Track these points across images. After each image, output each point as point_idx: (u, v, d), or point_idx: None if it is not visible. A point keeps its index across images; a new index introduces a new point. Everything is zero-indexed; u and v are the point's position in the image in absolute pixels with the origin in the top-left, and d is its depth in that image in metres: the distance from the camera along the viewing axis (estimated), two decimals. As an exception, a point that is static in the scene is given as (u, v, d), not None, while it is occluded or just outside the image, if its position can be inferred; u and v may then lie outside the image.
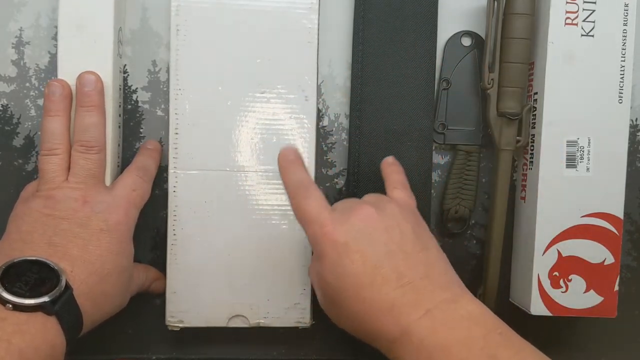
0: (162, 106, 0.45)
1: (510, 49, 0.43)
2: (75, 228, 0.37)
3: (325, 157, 0.47)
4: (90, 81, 0.40)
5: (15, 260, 0.35)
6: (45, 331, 0.34)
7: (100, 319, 0.39)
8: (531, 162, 0.45)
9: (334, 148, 0.47)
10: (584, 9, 0.42)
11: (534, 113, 0.44)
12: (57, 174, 0.39)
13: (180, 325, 0.43)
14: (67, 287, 0.35)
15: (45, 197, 0.38)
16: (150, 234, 0.46)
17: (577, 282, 0.43)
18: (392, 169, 0.42)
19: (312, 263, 0.38)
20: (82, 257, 0.37)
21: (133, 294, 0.42)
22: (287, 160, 0.39)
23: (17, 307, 0.33)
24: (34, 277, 0.35)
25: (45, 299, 0.34)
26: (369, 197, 0.39)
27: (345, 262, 0.35)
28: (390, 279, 0.34)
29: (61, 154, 0.39)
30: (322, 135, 0.47)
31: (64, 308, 0.35)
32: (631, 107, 0.43)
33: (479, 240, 0.48)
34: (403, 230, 0.36)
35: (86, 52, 0.41)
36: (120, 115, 0.44)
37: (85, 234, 0.37)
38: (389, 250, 0.35)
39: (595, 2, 0.42)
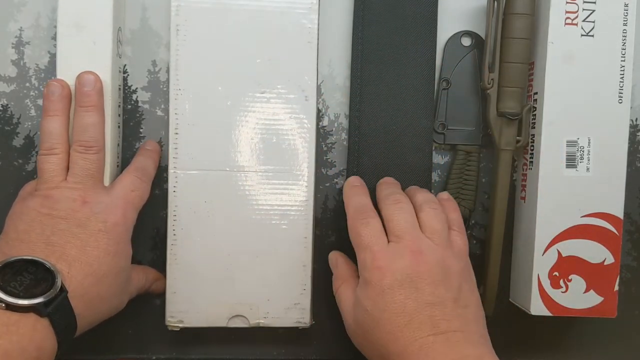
0: (162, 106, 0.45)
1: (510, 49, 0.43)
2: (74, 228, 0.37)
3: (325, 157, 0.47)
4: (89, 81, 0.40)
5: (11, 259, 0.35)
6: (34, 333, 0.33)
7: (96, 321, 0.39)
8: (531, 162, 0.45)
9: (334, 148, 0.47)
10: (584, 9, 0.42)
11: (534, 113, 0.44)
12: (55, 174, 0.39)
13: (180, 325, 0.43)
14: (62, 289, 0.35)
15: (43, 196, 0.38)
16: (150, 234, 0.46)
17: (577, 282, 0.43)
18: (449, 206, 0.42)
19: (354, 287, 0.40)
20: (80, 258, 0.37)
21: (132, 296, 0.42)
22: (351, 186, 0.43)
23: (10, 307, 0.33)
24: (29, 277, 0.34)
25: (38, 300, 0.33)
26: (431, 233, 0.39)
27: (387, 299, 0.36)
28: (425, 326, 0.36)
29: (60, 154, 0.39)
30: (322, 135, 0.47)
31: (58, 310, 0.34)
32: (631, 107, 0.43)
33: (479, 240, 0.48)
34: (449, 287, 0.37)
35: (85, 52, 0.41)
36: (119, 115, 0.44)
37: (83, 234, 0.37)
38: (430, 301, 0.36)
39: (595, 2, 0.42)
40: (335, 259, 0.44)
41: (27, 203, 0.38)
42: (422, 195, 0.41)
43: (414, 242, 0.38)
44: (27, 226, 0.37)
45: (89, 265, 0.37)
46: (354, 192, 0.42)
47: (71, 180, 0.39)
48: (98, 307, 0.38)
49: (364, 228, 0.39)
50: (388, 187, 0.43)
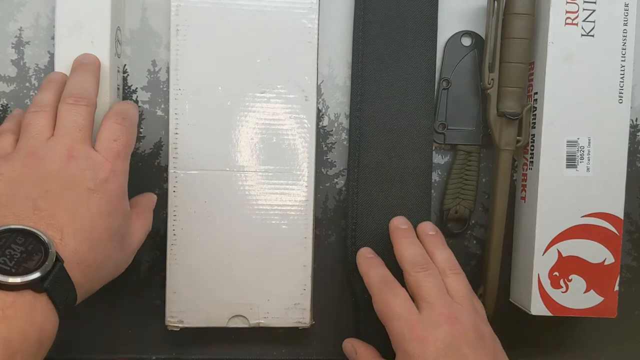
0: (162, 106, 0.45)
1: (510, 49, 0.43)
2: (63, 190, 0.34)
3: (325, 157, 0.47)
4: (88, 57, 0.39)
5: None
6: (34, 313, 0.30)
7: (95, 288, 0.36)
8: (531, 162, 0.45)
9: (334, 148, 0.47)
10: (584, 9, 0.42)
11: (534, 113, 0.44)
12: (43, 130, 0.36)
13: (180, 325, 0.43)
14: (58, 259, 0.32)
15: (27, 154, 0.35)
16: (150, 234, 0.46)
17: (577, 282, 0.43)
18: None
19: None
20: (72, 223, 0.33)
21: (139, 247, 0.40)
22: (365, 258, 0.43)
23: (3, 287, 0.30)
24: (19, 250, 0.31)
25: (34, 275, 0.30)
26: (460, 298, 0.39)
27: None
28: None
29: (49, 112, 0.36)
30: (322, 135, 0.47)
31: (56, 283, 0.31)
32: (631, 107, 0.43)
33: (479, 240, 0.48)
34: (486, 350, 0.37)
35: (83, 51, 0.40)
36: (120, 115, 0.44)
37: (72, 196, 0.34)
38: None
39: (595, 2, 0.42)
40: (352, 345, 0.44)
41: (8, 164, 0.34)
42: (441, 256, 0.41)
43: (448, 308, 0.38)
44: (9, 189, 0.33)
45: (82, 230, 0.34)
46: (372, 264, 0.42)
47: (57, 134, 0.35)
48: (96, 274, 0.35)
49: (393, 298, 0.39)
50: (409, 244, 0.41)
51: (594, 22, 0.42)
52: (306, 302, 0.44)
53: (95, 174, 0.35)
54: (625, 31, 0.43)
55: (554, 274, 0.43)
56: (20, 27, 0.44)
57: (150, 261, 0.46)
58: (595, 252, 0.43)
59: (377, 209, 0.45)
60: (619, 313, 0.44)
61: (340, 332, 0.47)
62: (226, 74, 0.43)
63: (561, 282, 0.43)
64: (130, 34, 0.45)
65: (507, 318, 0.48)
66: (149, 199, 0.43)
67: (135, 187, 0.42)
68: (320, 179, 0.47)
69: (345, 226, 0.46)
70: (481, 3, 0.46)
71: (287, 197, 0.43)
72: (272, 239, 0.43)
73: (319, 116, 0.46)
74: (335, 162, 0.47)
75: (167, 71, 0.45)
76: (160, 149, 0.45)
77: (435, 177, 0.47)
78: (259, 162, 0.43)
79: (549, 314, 0.43)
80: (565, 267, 0.43)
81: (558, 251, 0.43)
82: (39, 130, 0.36)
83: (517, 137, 0.45)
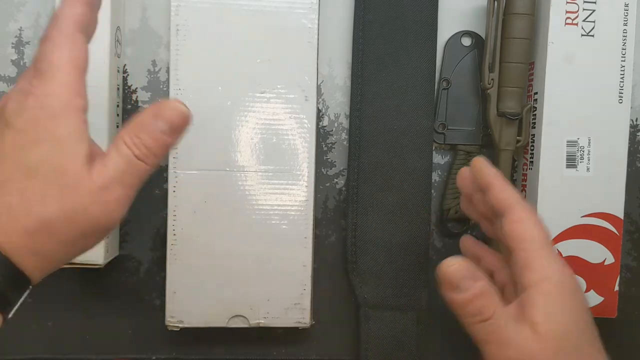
0: (162, 106, 0.45)
1: (510, 49, 0.43)
2: None
3: (325, 157, 0.47)
4: None
5: None
6: None
7: (44, 231, 0.28)
8: (531, 162, 0.45)
9: (334, 148, 0.47)
10: (584, 9, 0.42)
11: (534, 113, 0.44)
12: None
13: (180, 325, 0.43)
14: None
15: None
16: (150, 234, 0.46)
17: (577, 282, 0.43)
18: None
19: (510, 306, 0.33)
20: None
21: (126, 183, 0.30)
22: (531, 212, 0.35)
23: None
24: None
25: None
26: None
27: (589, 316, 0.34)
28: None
29: None
30: (322, 135, 0.47)
31: None
32: (631, 107, 0.43)
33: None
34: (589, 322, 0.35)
35: (86, 52, 0.41)
36: (118, 115, 0.44)
37: None
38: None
39: (595, 2, 0.42)
40: (466, 268, 0.32)
41: None
42: None
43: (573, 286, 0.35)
44: None
45: None
46: (538, 220, 0.35)
47: None
48: (22, 213, 0.28)
49: (556, 261, 0.33)
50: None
51: (594, 22, 0.42)
52: (306, 302, 0.44)
53: (16, 105, 0.29)
54: (625, 31, 0.43)
55: (554, 274, 0.43)
56: (20, 27, 0.44)
57: (150, 261, 0.46)
58: (595, 252, 0.43)
59: (377, 209, 0.45)
60: (619, 313, 0.44)
61: (340, 332, 0.47)
62: (226, 74, 0.43)
63: (561, 282, 0.43)
64: (130, 34, 0.45)
65: (507, 318, 0.48)
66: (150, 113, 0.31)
67: (135, 187, 0.42)
68: (320, 179, 0.47)
69: (345, 226, 0.46)
70: (481, 3, 0.46)
71: (287, 197, 0.43)
72: (272, 239, 0.43)
73: (319, 116, 0.46)
74: (335, 162, 0.47)
75: (167, 71, 0.45)
76: (160, 149, 0.45)
77: (435, 177, 0.47)
78: (259, 162, 0.43)
79: (549, 314, 0.43)
80: (565, 267, 0.43)
81: (558, 251, 0.43)
82: None
83: (517, 137, 0.45)
